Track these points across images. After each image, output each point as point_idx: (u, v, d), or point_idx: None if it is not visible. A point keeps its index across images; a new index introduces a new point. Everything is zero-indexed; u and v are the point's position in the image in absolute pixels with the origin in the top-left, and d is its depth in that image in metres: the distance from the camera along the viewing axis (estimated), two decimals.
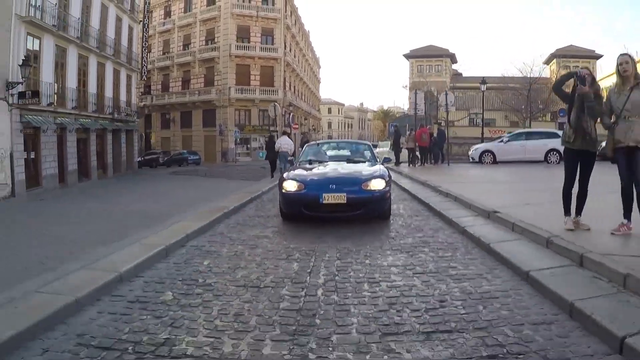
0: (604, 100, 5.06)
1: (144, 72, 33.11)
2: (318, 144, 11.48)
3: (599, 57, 73.42)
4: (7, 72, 17.66)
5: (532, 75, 41.79)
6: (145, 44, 33.15)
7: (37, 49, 20.07)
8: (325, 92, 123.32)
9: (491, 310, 3.42)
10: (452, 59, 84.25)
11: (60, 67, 22.08)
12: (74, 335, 3.16)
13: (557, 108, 32.81)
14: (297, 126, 37.04)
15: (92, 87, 25.27)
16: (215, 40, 40.55)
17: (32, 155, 19.83)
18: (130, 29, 31.31)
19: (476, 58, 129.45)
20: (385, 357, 2.77)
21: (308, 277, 4.42)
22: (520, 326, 3.11)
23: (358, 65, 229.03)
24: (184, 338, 3.09)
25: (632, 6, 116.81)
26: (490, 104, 45.80)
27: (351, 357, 2.79)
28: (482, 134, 28.16)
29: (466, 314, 3.38)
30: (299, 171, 8.21)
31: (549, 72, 72.22)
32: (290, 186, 7.47)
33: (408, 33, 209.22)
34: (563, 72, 71.04)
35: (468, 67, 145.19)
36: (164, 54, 45.15)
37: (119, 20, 29.06)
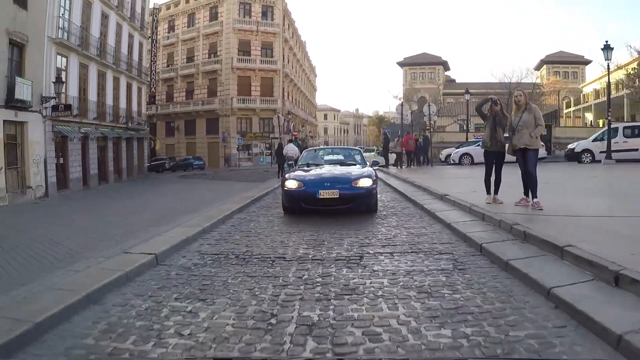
0: (508, 118, 7.59)
1: (153, 85, 35.57)
2: (315, 150, 12.77)
3: (587, 62, 75.55)
4: (41, 88, 20.10)
5: (517, 83, 44.42)
6: (153, 59, 35.63)
7: (65, 66, 22.55)
8: (322, 98, 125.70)
9: (423, 240, 5.92)
10: (445, 66, 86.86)
11: (82, 81, 24.55)
12: (196, 252, 5.70)
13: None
14: (296, 133, 39.68)
15: (109, 99, 27.72)
16: (218, 53, 43.20)
17: (61, 161, 22.24)
18: (140, 44, 33.82)
19: (470, 64, 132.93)
20: (361, 254, 5.26)
21: (320, 227, 6.97)
22: (435, 244, 5.63)
23: (354, 71, 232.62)
24: (255, 250, 5.66)
25: (627, 9, 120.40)
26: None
27: (344, 252, 5.31)
28: (467, 138, 30.77)
29: (408, 241, 5.88)
30: (298, 172, 9.41)
31: (538, 78, 74.90)
32: (291, 184, 8.56)
33: (403, 40, 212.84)
34: (552, 78, 73.32)
35: (461, 73, 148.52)
36: (168, 65, 47.63)
37: (130, 37, 31.58)
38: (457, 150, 23.78)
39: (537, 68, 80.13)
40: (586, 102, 50.69)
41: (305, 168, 9.95)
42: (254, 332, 3.16)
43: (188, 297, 3.94)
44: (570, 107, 60.77)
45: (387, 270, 4.55)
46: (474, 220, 6.67)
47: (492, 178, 7.74)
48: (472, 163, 22.08)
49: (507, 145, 7.60)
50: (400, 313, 3.39)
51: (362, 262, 4.88)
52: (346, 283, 4.17)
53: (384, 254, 5.22)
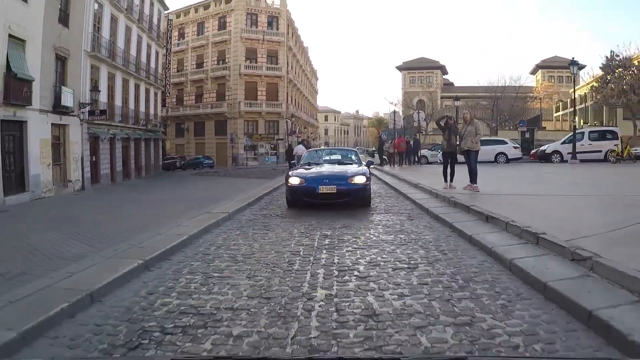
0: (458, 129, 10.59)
1: (167, 90, 38.60)
2: (316, 151, 13.95)
3: (582, 67, 78.76)
4: (79, 95, 23.09)
5: (502, 87, 47.33)
6: (167, 66, 38.68)
7: (97, 76, 25.55)
8: (323, 100, 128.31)
9: (394, 209, 8.89)
10: (443, 70, 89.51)
11: (110, 89, 27.56)
12: (251, 214, 8.70)
13: (518, 120, 38.59)
14: (301, 135, 42.78)
15: (131, 104, 30.74)
16: (226, 60, 46.30)
17: (93, 159, 25.22)
18: (157, 53, 36.83)
19: (468, 67, 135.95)
20: (354, 213, 8.24)
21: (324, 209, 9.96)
22: (401, 210, 8.62)
23: (355, 74, 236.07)
24: (287, 212, 8.69)
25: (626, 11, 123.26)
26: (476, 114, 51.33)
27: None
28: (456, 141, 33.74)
29: (384, 209, 8.87)
30: (300, 170, 10.36)
31: (532, 82, 77.72)
32: (294, 181, 9.53)
33: (402, 43, 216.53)
34: (545, 82, 75.69)
35: (460, 76, 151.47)
36: (178, 71, 50.60)
37: (148, 47, 34.58)
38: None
39: (533, 72, 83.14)
40: (570, 107, 53.63)
41: (307, 167, 10.89)
42: (301, 238, 6.32)
43: (259, 229, 7.06)
44: (559, 111, 63.70)
45: (369, 219, 7.58)
46: (430, 197, 9.68)
47: (448, 171, 10.75)
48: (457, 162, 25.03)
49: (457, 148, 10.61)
50: (372, 234, 6.43)
51: (354, 214, 7.90)
52: (345, 224, 7.19)
53: (368, 213, 8.27)
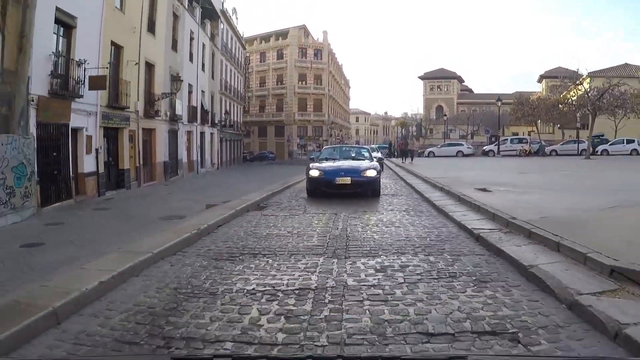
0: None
1: (246, 105, 55.59)
2: (334, 148, 16.83)
3: (580, 77, 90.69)
4: (216, 116, 39.63)
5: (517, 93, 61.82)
6: (247, 88, 55.66)
7: (211, 100, 42.30)
8: (355, 102, 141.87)
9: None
10: (459, 80, 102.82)
11: (218, 107, 44.37)
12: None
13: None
14: (340, 139, 59.08)
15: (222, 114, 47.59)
16: (284, 82, 62.89)
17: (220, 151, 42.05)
18: (239, 79, 53.68)
19: (488, 74, 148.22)
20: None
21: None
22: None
23: (384, 79, 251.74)
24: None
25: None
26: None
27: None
28: (443, 140, 49.23)
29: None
30: (319, 164, 12.02)
31: (542, 89, 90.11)
32: (314, 173, 11.26)
33: (425, 53, 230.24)
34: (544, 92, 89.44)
35: (479, 83, 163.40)
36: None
37: (235, 76, 51.42)
38: (429, 149, 42.49)
39: (539, 81, 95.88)
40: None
41: (325, 162, 12.35)
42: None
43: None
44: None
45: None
46: (396, 166, 25.64)
47: (404, 158, 26.73)
48: (435, 156, 40.49)
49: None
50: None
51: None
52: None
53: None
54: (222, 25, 40.85)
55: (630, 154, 32.87)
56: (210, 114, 36.71)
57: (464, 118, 64.12)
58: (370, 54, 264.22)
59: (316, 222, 8.97)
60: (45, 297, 3.88)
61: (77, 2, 14.06)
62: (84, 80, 13.96)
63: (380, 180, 12.26)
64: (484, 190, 11.15)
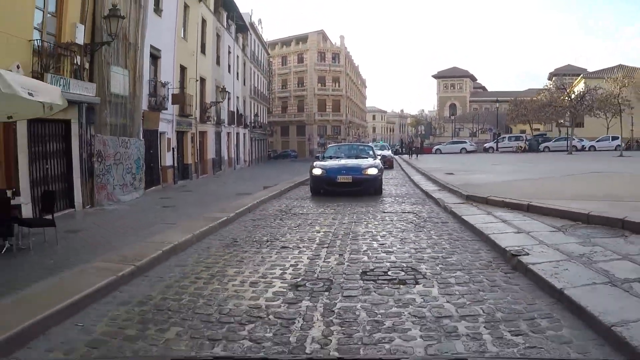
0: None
1: (270, 106, 60.70)
2: (339, 147, 17.81)
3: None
4: (248, 118, 44.84)
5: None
6: (270, 92, 60.75)
7: (243, 104, 47.39)
8: (372, 101, 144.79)
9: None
10: (472, 78, 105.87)
11: (249, 110, 49.47)
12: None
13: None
14: (357, 137, 63.89)
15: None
16: (304, 84, 67.81)
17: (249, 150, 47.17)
18: (263, 82, 58.72)
19: (500, 72, 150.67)
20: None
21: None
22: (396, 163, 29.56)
23: (400, 77, 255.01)
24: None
25: None
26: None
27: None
28: (452, 138, 53.56)
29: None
30: (322, 162, 12.68)
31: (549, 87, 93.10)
32: (317, 172, 11.97)
33: (442, 51, 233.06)
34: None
35: (492, 81, 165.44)
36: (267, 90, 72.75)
37: (261, 80, 56.47)
38: (436, 147, 46.97)
39: (549, 79, 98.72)
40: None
41: (329, 160, 13.06)
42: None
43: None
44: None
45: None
46: (403, 162, 30.34)
47: (410, 154, 31.42)
48: (442, 153, 44.87)
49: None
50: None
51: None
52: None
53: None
54: (250, 36, 45.88)
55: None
56: (242, 116, 41.75)
57: (470, 117, 68.21)
58: (385, 53, 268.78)
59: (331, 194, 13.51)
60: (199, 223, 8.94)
61: (161, 38, 19.08)
62: (168, 97, 19.04)
63: (381, 179, 12.91)
64: (450, 174, 15.93)
